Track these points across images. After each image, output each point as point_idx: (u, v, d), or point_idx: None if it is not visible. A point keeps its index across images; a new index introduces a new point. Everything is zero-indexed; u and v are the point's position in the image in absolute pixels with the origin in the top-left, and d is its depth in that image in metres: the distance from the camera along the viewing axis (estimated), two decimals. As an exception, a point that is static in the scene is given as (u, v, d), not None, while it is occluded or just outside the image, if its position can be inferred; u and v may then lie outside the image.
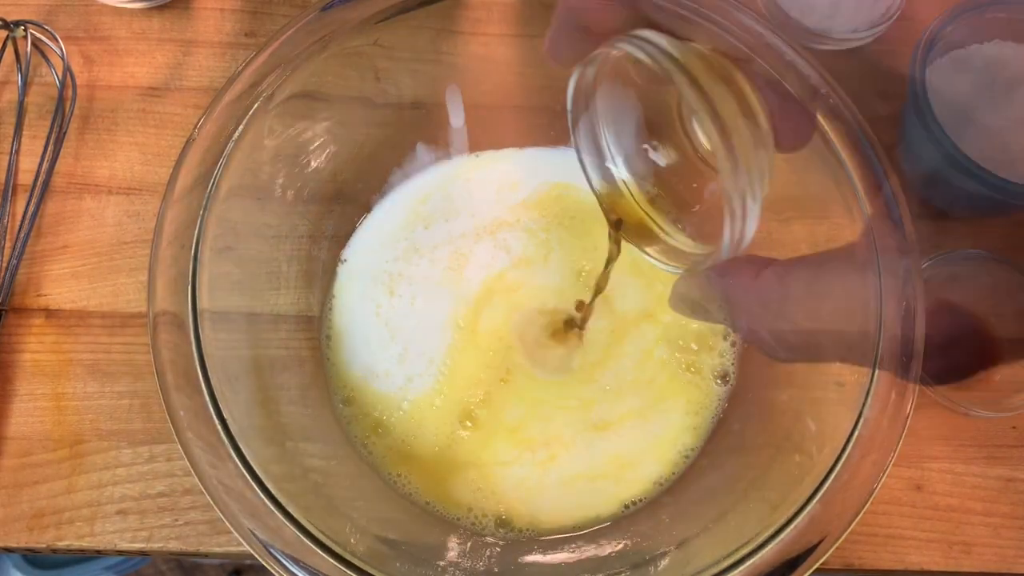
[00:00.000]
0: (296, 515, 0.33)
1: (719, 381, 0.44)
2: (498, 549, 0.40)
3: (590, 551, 0.40)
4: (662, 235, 0.30)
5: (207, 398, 0.34)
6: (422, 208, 0.47)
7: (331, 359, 0.44)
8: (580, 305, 0.44)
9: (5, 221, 0.47)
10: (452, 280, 0.46)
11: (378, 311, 0.45)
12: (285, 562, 0.32)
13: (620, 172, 0.30)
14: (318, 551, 0.32)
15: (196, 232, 0.36)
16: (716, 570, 0.33)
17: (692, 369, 0.44)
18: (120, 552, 0.42)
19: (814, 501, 0.33)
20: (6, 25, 0.49)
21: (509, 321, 0.45)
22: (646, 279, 0.46)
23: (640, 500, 0.42)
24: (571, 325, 0.45)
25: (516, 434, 0.43)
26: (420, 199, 0.48)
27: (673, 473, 0.42)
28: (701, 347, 0.44)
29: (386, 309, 0.45)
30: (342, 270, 0.46)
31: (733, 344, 0.44)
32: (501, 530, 0.41)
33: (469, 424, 0.43)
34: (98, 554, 0.42)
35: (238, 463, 0.33)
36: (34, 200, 0.47)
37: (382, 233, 0.47)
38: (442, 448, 0.42)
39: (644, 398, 0.44)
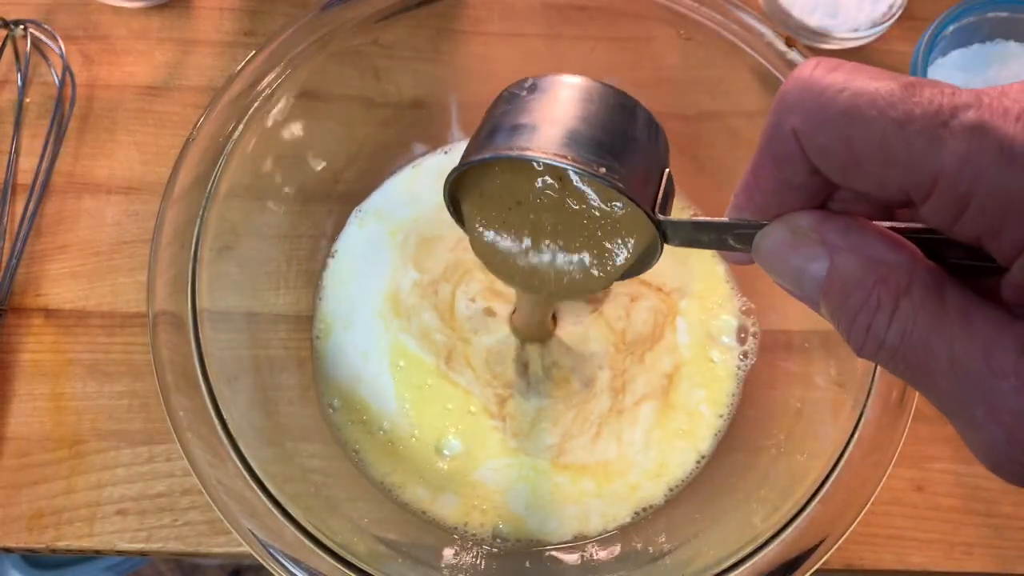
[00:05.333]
0: (296, 515, 0.33)
1: (731, 381, 0.43)
2: (497, 551, 0.40)
3: (591, 553, 0.40)
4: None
5: (207, 398, 0.34)
6: (415, 202, 0.47)
7: (322, 359, 0.44)
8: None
9: (4, 221, 0.47)
10: (443, 275, 0.46)
11: (366, 309, 0.45)
12: (285, 562, 0.32)
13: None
14: (318, 551, 0.32)
15: (196, 232, 0.36)
16: (717, 570, 0.33)
17: (716, 361, 0.44)
18: (119, 552, 0.41)
19: (815, 501, 0.33)
20: (5, 24, 0.49)
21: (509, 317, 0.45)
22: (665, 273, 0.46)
23: (651, 507, 0.41)
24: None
25: (517, 449, 0.42)
26: (414, 195, 0.47)
27: (684, 479, 0.42)
28: (727, 342, 0.44)
29: (373, 307, 0.45)
30: (332, 264, 0.46)
31: (755, 335, 0.44)
32: (499, 540, 0.40)
33: (457, 432, 0.42)
34: (97, 554, 0.42)
35: (238, 463, 0.33)
36: (33, 200, 0.47)
37: (368, 229, 0.46)
38: (431, 462, 0.42)
39: (662, 401, 0.43)
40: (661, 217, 0.26)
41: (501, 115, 0.28)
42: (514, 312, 0.44)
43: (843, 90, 0.18)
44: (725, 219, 0.23)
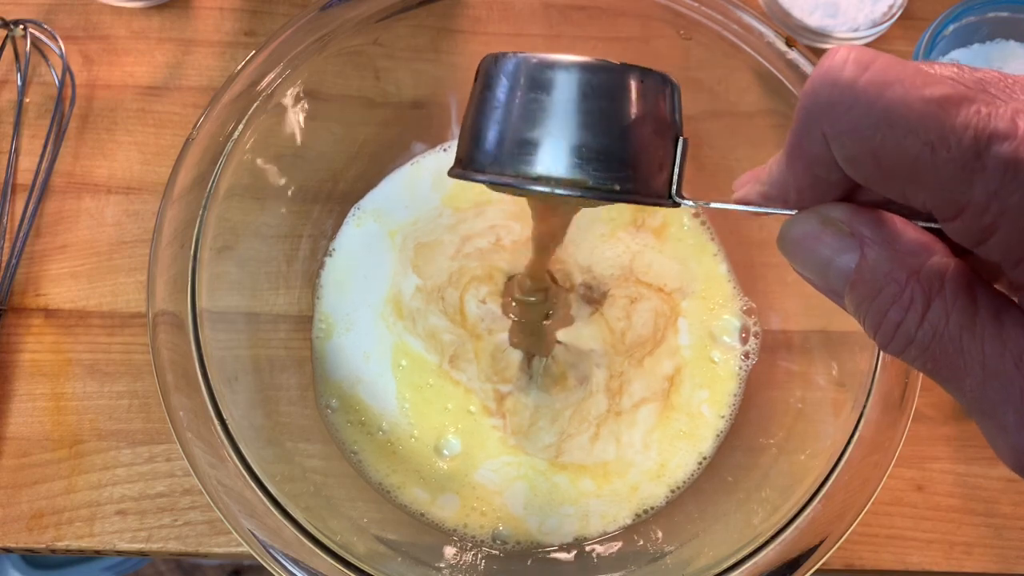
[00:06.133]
0: (296, 515, 0.33)
1: (733, 381, 0.43)
2: (498, 553, 0.40)
3: (592, 553, 0.40)
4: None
5: (206, 398, 0.34)
6: (414, 204, 0.47)
7: (322, 359, 0.44)
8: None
9: (4, 221, 0.47)
10: (449, 281, 0.46)
11: (368, 310, 0.45)
12: (284, 562, 0.32)
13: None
14: (318, 551, 0.32)
15: (196, 232, 0.36)
16: (717, 570, 0.33)
17: (717, 361, 0.44)
18: (119, 552, 0.41)
19: (815, 502, 0.33)
20: (5, 24, 0.49)
21: (507, 318, 0.45)
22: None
23: (652, 508, 0.41)
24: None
25: (516, 448, 0.42)
26: (413, 195, 0.47)
27: (686, 481, 0.42)
28: (728, 342, 0.44)
29: (375, 308, 0.45)
30: (329, 263, 0.46)
31: (756, 335, 0.44)
32: (498, 542, 0.40)
33: (456, 432, 0.42)
34: (97, 554, 0.42)
35: (237, 463, 0.33)
36: (33, 199, 0.47)
37: (366, 228, 0.46)
38: (431, 462, 0.42)
39: (663, 403, 0.43)
40: (681, 201, 0.25)
41: (493, 114, 0.26)
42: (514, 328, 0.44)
43: (877, 100, 0.17)
44: (752, 208, 0.22)
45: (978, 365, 0.18)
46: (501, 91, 0.26)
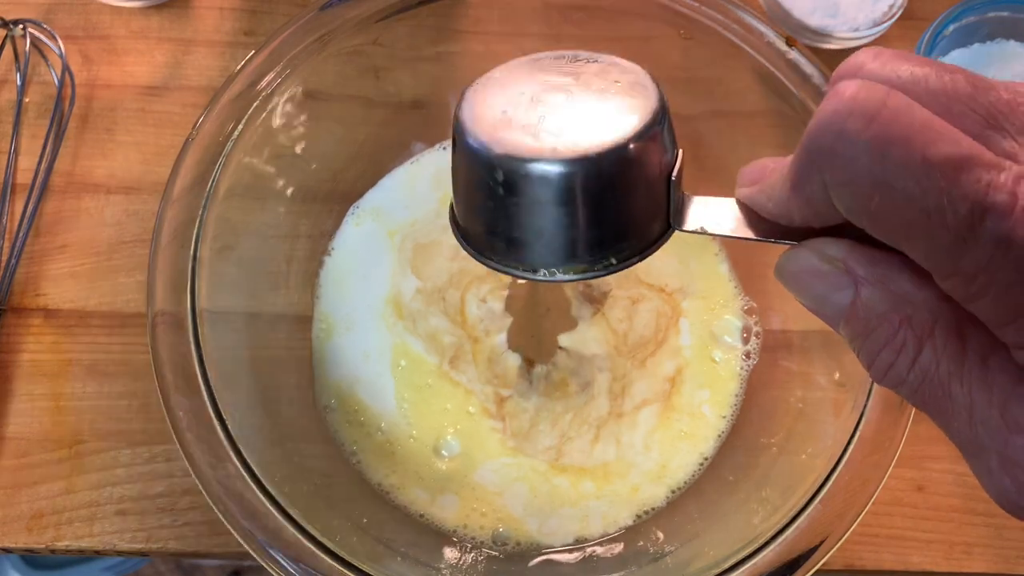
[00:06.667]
0: (296, 516, 0.33)
1: (735, 381, 0.43)
2: (498, 554, 0.40)
3: (592, 553, 0.40)
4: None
5: (206, 398, 0.34)
6: (413, 204, 0.47)
7: (321, 359, 0.44)
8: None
9: (4, 221, 0.47)
10: (449, 282, 0.46)
11: (367, 310, 0.44)
12: (284, 562, 0.32)
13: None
14: (317, 552, 0.32)
15: (195, 232, 0.36)
16: (718, 571, 0.33)
17: (718, 361, 0.43)
18: (119, 553, 0.41)
19: (815, 502, 0.33)
20: (5, 24, 0.49)
21: (508, 317, 0.45)
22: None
23: (653, 509, 0.41)
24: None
25: (515, 449, 0.42)
26: (412, 195, 0.47)
27: (687, 482, 0.42)
28: (730, 342, 0.44)
29: (375, 309, 0.44)
30: (328, 262, 0.45)
31: (758, 335, 0.44)
32: (498, 543, 0.40)
33: (456, 433, 0.42)
34: (97, 554, 0.42)
35: (237, 464, 0.33)
36: (33, 199, 0.47)
37: (365, 227, 0.46)
38: (430, 462, 0.42)
39: (664, 404, 0.43)
40: (680, 230, 0.25)
41: (477, 204, 0.24)
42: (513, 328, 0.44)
43: (879, 161, 0.17)
44: (751, 237, 0.22)
45: (965, 410, 0.18)
46: (481, 183, 0.24)
